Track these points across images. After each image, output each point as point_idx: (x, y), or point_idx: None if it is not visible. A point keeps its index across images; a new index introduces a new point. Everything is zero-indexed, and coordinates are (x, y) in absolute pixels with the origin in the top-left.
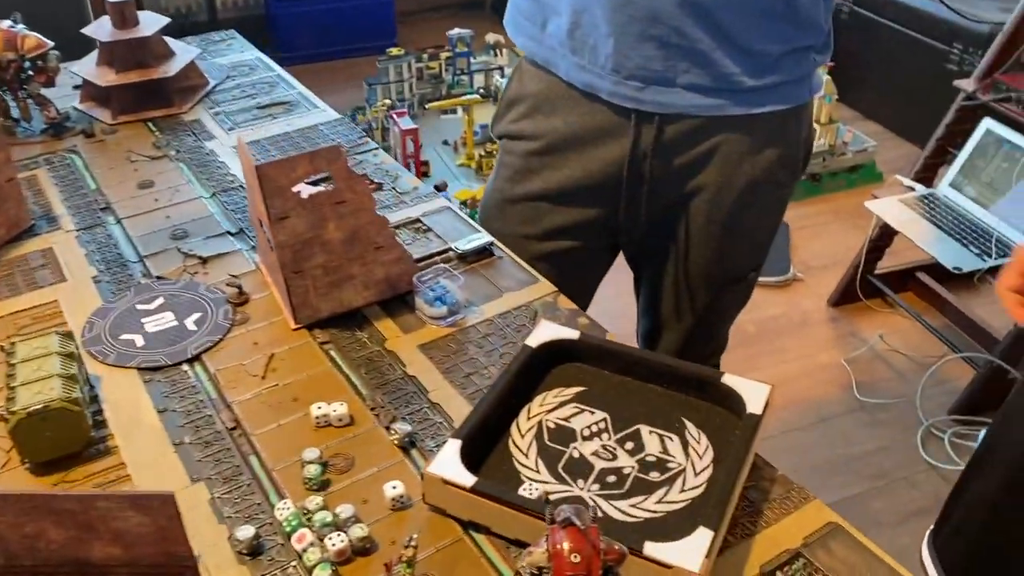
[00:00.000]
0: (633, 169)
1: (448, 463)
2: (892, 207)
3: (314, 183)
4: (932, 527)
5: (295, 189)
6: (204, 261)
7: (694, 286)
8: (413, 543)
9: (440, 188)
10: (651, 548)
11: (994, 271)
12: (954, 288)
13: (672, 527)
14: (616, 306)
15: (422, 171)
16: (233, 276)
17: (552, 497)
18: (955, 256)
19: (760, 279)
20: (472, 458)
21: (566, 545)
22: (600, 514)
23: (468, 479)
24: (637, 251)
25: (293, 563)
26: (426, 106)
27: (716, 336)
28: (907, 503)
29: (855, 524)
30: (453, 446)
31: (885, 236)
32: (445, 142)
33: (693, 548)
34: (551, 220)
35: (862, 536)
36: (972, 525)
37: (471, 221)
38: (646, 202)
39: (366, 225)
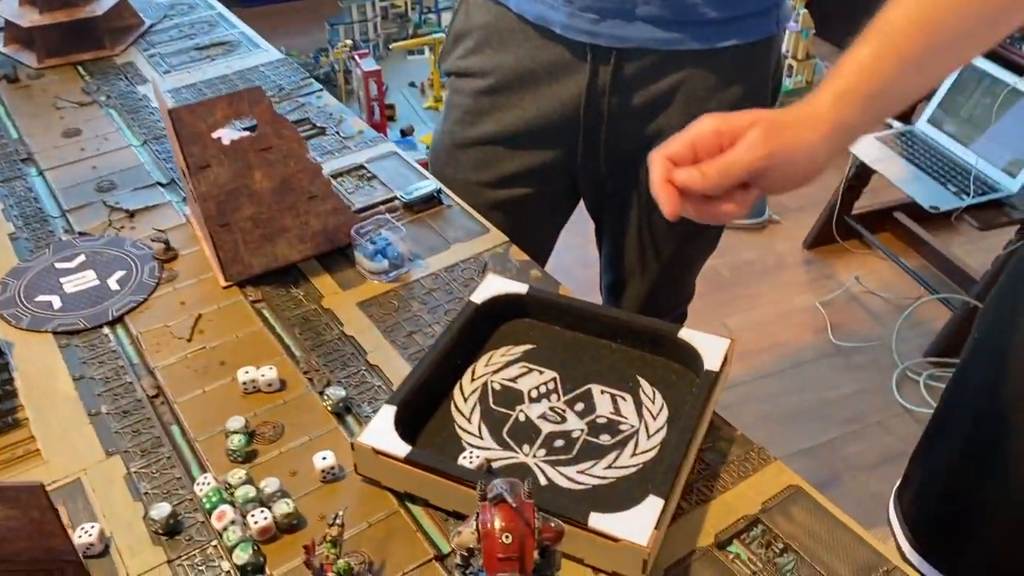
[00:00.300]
0: (590, 109)
1: (381, 432)
2: (869, 145)
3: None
4: (898, 483)
5: (215, 135)
6: (131, 215)
7: (659, 235)
8: (339, 521)
9: (406, 133)
10: (596, 520)
11: (972, 210)
12: (932, 228)
13: (622, 495)
14: (582, 255)
15: (387, 115)
16: (159, 230)
17: (495, 465)
18: (932, 195)
19: (735, 222)
20: (409, 425)
21: (497, 524)
22: (545, 481)
23: (401, 449)
24: (598, 199)
25: (213, 542)
26: (391, 46)
27: (683, 286)
28: (881, 448)
29: (829, 470)
30: (387, 413)
31: (862, 175)
32: (412, 84)
33: (642, 519)
34: (505, 165)
35: (824, 499)
36: (933, 491)
37: (419, 167)
38: (605, 145)
39: (297, 173)
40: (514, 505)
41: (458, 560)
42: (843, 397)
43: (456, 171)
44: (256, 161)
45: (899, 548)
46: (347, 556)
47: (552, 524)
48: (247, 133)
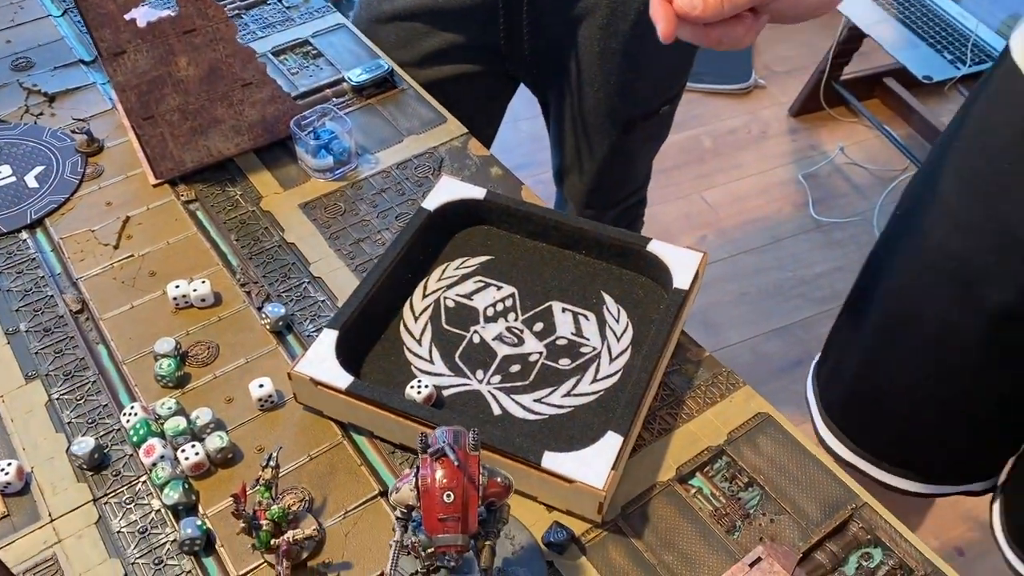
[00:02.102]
0: None
1: (320, 359)
2: (862, 6)
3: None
4: (815, 361)
5: (128, 16)
6: (51, 99)
7: (595, 123)
8: (272, 462)
9: None
10: (550, 460)
11: (967, 80)
12: (923, 95)
13: (579, 427)
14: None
15: None
16: (80, 120)
17: (446, 394)
18: (927, 63)
19: (719, 87)
20: (353, 350)
21: (437, 482)
22: (498, 411)
23: (343, 379)
24: (533, 82)
25: (143, 478)
26: None
27: (630, 176)
28: None
29: (801, 349)
30: (328, 338)
31: (853, 38)
32: None
33: (599, 458)
34: (426, 43)
35: (794, 428)
36: (847, 369)
37: (370, 43)
38: (528, 26)
39: (227, 58)
40: (456, 461)
41: (398, 514)
42: (821, 275)
43: (379, 48)
44: (179, 46)
45: (814, 425)
46: (286, 492)
47: (499, 479)
48: (168, 13)
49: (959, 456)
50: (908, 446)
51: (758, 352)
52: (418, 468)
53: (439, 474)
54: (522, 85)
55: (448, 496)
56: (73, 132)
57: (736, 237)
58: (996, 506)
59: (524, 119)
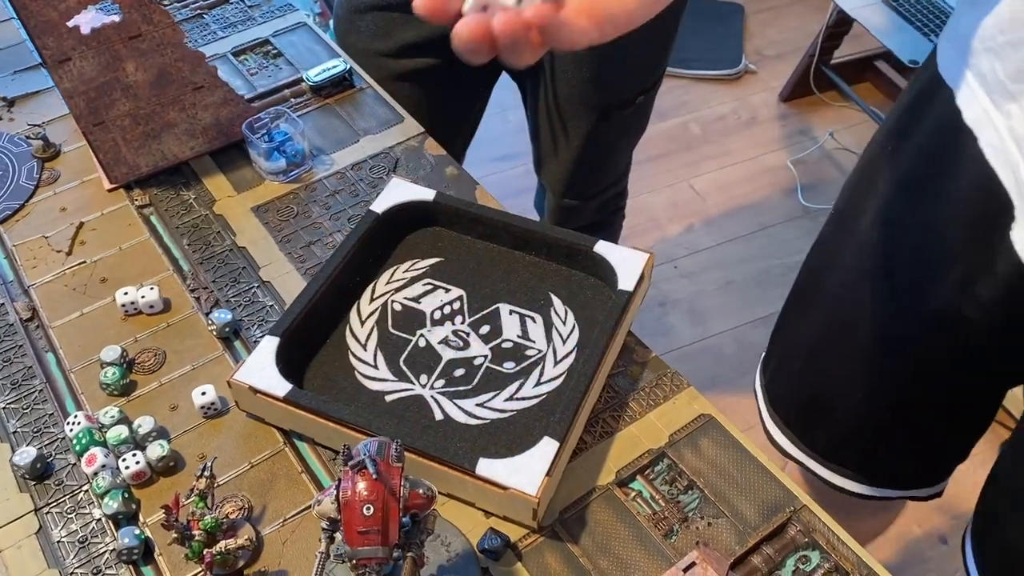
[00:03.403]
0: None
1: (260, 367)
2: None
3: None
4: (764, 353)
5: (71, 23)
6: (10, 103)
7: (569, 113)
8: (207, 472)
9: None
10: (485, 467)
11: None
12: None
13: (519, 432)
14: None
15: None
16: (35, 125)
17: (389, 399)
18: (913, 47)
19: (709, 73)
20: (295, 356)
21: (357, 495)
22: (440, 416)
23: (282, 387)
24: (510, 72)
25: (85, 487)
26: None
27: (608, 166)
28: None
29: None
30: (268, 346)
31: (843, 21)
32: None
33: (533, 464)
34: (404, 33)
35: (736, 430)
36: (791, 367)
37: (330, 43)
38: None
39: (176, 63)
40: (375, 474)
41: (324, 525)
42: None
43: (357, 39)
44: (126, 51)
45: (761, 420)
46: (225, 500)
47: (421, 491)
48: (113, 19)
49: (904, 460)
50: (852, 448)
51: (743, 341)
52: (340, 480)
53: (359, 486)
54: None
55: (368, 509)
56: (29, 138)
57: (723, 225)
58: (968, 536)
59: (511, 109)
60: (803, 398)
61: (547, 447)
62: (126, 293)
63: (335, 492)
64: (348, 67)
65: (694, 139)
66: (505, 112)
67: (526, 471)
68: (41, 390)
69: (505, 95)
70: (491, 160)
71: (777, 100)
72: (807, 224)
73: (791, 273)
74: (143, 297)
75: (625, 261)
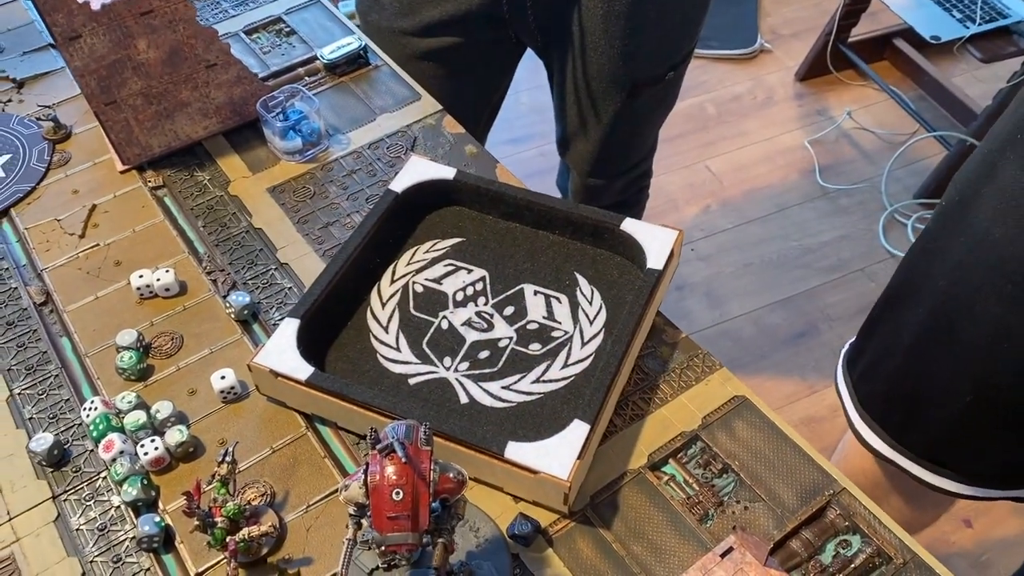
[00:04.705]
0: None
1: (281, 350)
2: None
3: None
4: (847, 349)
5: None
6: (20, 85)
7: (599, 90)
8: (228, 458)
9: None
10: (514, 450)
11: (977, 39)
12: (934, 56)
13: (547, 415)
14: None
15: None
16: (45, 107)
17: (412, 382)
18: (935, 23)
19: (724, 52)
20: (316, 338)
21: (386, 479)
22: (465, 399)
23: (303, 370)
24: (537, 48)
25: (103, 474)
26: None
27: (636, 145)
28: (862, 296)
29: (805, 321)
30: (288, 328)
31: None
32: None
33: (564, 448)
34: (428, 11)
35: (771, 411)
36: (888, 365)
37: (345, 20)
38: None
39: (188, 40)
40: (404, 458)
41: (351, 511)
42: (826, 243)
43: (380, 16)
44: (137, 28)
45: (847, 417)
46: (247, 486)
47: (451, 475)
48: None
49: (1009, 462)
50: (954, 448)
51: (761, 324)
52: (368, 464)
53: (388, 471)
54: (526, 54)
55: (397, 493)
56: (40, 119)
57: (741, 206)
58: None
59: (525, 90)
60: (901, 397)
61: (578, 430)
62: (141, 276)
63: (363, 477)
64: (363, 44)
65: (710, 119)
66: (518, 94)
67: (556, 455)
68: (56, 375)
69: (519, 75)
70: (504, 142)
71: (793, 79)
72: (825, 205)
73: (809, 255)
74: (158, 280)
75: (654, 239)
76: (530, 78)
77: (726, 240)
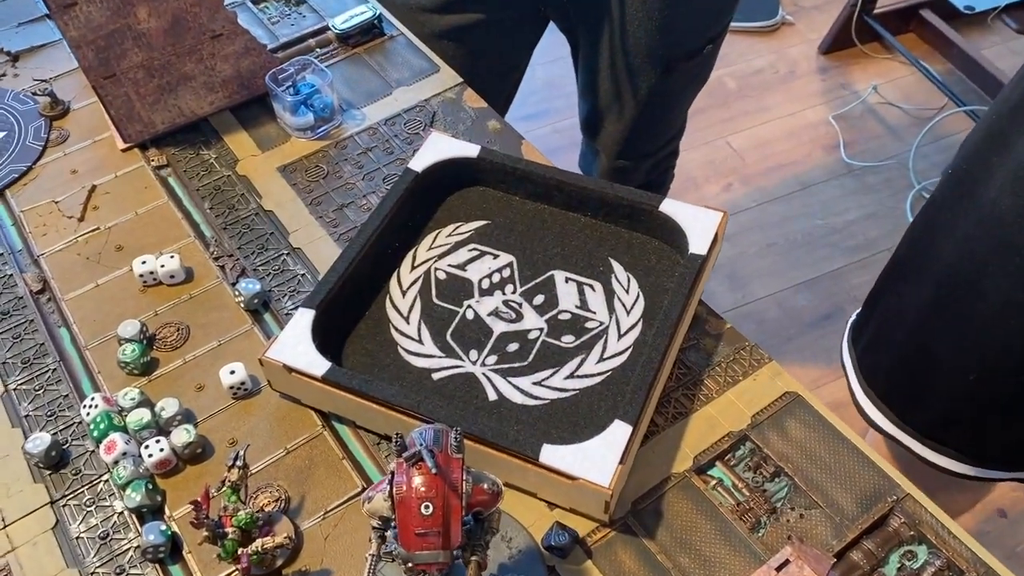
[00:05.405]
0: None
1: (294, 343)
2: None
3: None
4: (852, 321)
5: None
6: (15, 58)
7: (635, 66)
8: (239, 462)
9: None
10: (550, 454)
11: (1012, 9)
12: (963, 28)
13: (584, 413)
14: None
15: None
16: (42, 81)
17: (436, 377)
18: None
19: (744, 25)
20: (332, 330)
21: (415, 491)
22: (494, 396)
23: (320, 365)
24: (564, 22)
25: (105, 476)
26: None
27: (668, 123)
28: None
29: (831, 303)
30: (303, 318)
31: None
32: None
33: (604, 452)
34: None
35: (826, 410)
36: (893, 338)
37: None
38: None
39: (191, 8)
40: (434, 468)
41: (374, 524)
42: (852, 223)
43: None
44: None
45: (851, 392)
46: (259, 491)
47: (486, 486)
48: None
49: (1013, 442)
50: (960, 426)
51: (786, 306)
52: (393, 474)
53: (416, 482)
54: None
55: (427, 507)
56: (36, 94)
57: (763, 184)
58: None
59: (539, 64)
60: (905, 371)
61: (619, 432)
62: (144, 262)
63: (388, 488)
64: (377, 13)
65: (730, 94)
66: (532, 67)
67: (596, 459)
68: (55, 369)
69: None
70: (518, 119)
71: (816, 53)
72: (851, 182)
73: (835, 234)
74: (163, 266)
75: (696, 221)
76: (546, 52)
77: (749, 219)
